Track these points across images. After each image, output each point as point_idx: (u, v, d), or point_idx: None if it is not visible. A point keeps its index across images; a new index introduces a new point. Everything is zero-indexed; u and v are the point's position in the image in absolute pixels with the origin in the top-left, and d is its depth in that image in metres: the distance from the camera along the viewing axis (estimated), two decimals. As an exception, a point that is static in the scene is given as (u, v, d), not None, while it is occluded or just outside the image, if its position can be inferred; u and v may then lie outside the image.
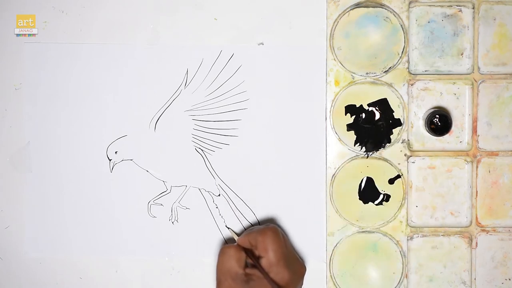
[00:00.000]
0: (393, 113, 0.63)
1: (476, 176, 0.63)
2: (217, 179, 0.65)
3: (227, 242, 0.64)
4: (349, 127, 0.64)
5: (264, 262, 0.57)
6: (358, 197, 0.64)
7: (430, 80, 0.63)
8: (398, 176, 0.63)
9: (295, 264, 0.59)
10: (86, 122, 0.65)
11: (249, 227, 0.64)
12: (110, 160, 0.65)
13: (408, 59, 0.63)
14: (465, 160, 0.63)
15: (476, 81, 0.63)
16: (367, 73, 0.63)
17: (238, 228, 0.65)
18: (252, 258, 0.58)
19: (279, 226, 0.64)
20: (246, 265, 0.58)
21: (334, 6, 0.63)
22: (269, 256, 0.57)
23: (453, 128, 0.63)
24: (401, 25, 0.63)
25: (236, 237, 0.62)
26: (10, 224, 0.65)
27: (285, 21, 0.64)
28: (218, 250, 0.64)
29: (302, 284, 0.61)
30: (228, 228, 0.64)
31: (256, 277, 0.57)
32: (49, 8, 0.64)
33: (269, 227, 0.59)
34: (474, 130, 0.63)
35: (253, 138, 0.64)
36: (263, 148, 0.64)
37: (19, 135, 0.65)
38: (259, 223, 0.65)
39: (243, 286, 0.56)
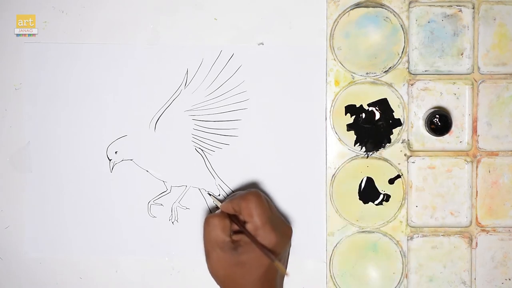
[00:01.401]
0: (393, 113, 0.63)
1: (476, 176, 0.63)
2: (217, 179, 0.65)
3: (211, 211, 0.64)
4: (349, 127, 0.64)
5: (249, 227, 0.57)
6: (358, 197, 0.64)
7: (430, 80, 0.63)
8: (398, 176, 0.63)
9: (281, 226, 0.59)
10: (86, 122, 0.65)
11: (230, 194, 0.64)
12: (110, 160, 0.65)
13: (408, 59, 0.63)
14: (465, 160, 0.63)
15: (476, 81, 0.63)
16: (367, 73, 0.63)
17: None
18: (237, 223, 0.58)
19: (261, 189, 0.64)
20: (231, 233, 0.58)
21: (334, 6, 0.63)
22: (254, 221, 0.57)
23: (453, 128, 0.63)
24: (401, 25, 0.63)
25: (219, 204, 0.61)
26: (10, 224, 0.65)
27: (285, 21, 0.64)
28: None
29: (290, 246, 0.61)
30: (210, 195, 0.64)
31: (244, 243, 0.57)
32: (49, 8, 0.64)
33: (251, 191, 0.59)
34: (474, 130, 0.63)
35: (253, 138, 0.64)
36: (263, 148, 0.64)
37: (19, 135, 0.65)
38: (238, 189, 0.64)
39: (232, 253, 0.57)
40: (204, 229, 0.58)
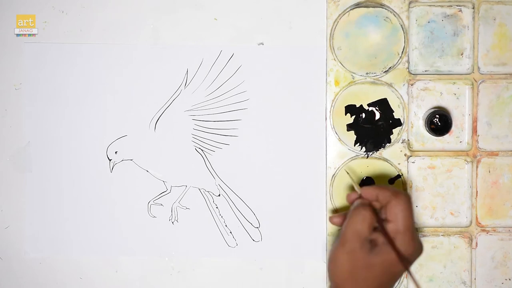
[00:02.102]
0: (393, 113, 0.63)
1: (476, 176, 0.63)
2: (217, 179, 0.65)
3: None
4: (349, 127, 0.64)
5: (390, 228, 0.52)
6: (358, 197, 0.64)
7: (430, 80, 0.63)
8: (398, 176, 0.63)
9: (418, 241, 0.54)
10: (86, 122, 0.65)
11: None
12: (110, 160, 0.65)
13: (408, 59, 0.63)
14: (465, 160, 0.63)
15: (476, 81, 0.63)
16: (367, 73, 0.63)
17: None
18: (380, 222, 0.53)
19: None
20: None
21: (334, 6, 0.63)
22: (398, 223, 0.52)
23: (453, 128, 0.63)
24: (401, 25, 0.63)
25: (358, 188, 0.56)
26: (10, 224, 0.65)
27: (285, 21, 0.64)
28: (218, 250, 0.64)
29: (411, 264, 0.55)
30: (348, 172, 0.61)
31: (380, 243, 0.52)
32: (49, 8, 0.64)
33: (404, 192, 0.55)
34: (474, 130, 0.63)
35: (253, 138, 0.64)
36: (263, 148, 0.64)
37: (19, 135, 0.65)
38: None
39: (367, 253, 0.52)
40: (352, 217, 0.53)
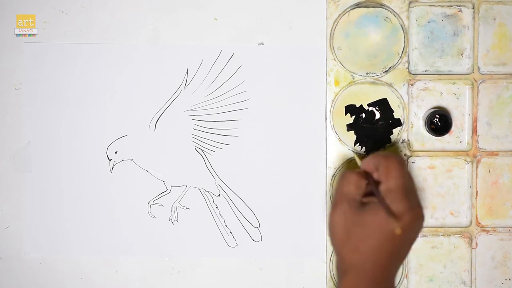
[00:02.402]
0: (393, 113, 0.63)
1: (476, 176, 0.63)
2: (217, 179, 0.65)
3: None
4: (349, 127, 0.64)
5: (382, 187, 0.53)
6: (358, 197, 0.64)
7: (430, 80, 0.63)
8: (398, 176, 0.63)
9: (415, 202, 0.54)
10: (86, 122, 0.65)
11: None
12: (110, 160, 0.65)
13: (408, 59, 0.63)
14: (465, 160, 0.63)
15: (476, 81, 0.63)
16: (367, 73, 0.63)
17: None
18: (372, 183, 0.54)
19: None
20: (364, 195, 0.55)
21: (334, 6, 0.63)
22: (389, 182, 0.53)
23: (453, 128, 0.63)
24: (401, 25, 0.63)
25: (359, 161, 0.59)
26: (10, 224, 0.65)
27: (285, 21, 0.64)
28: (218, 250, 0.64)
29: (418, 232, 0.54)
30: (353, 151, 0.62)
31: (372, 204, 0.53)
32: (49, 8, 0.64)
33: (396, 155, 0.56)
34: (474, 130, 0.63)
35: (253, 138, 0.64)
36: (263, 148, 0.64)
37: (19, 135, 0.65)
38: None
39: (357, 211, 0.53)
40: (340, 181, 0.55)
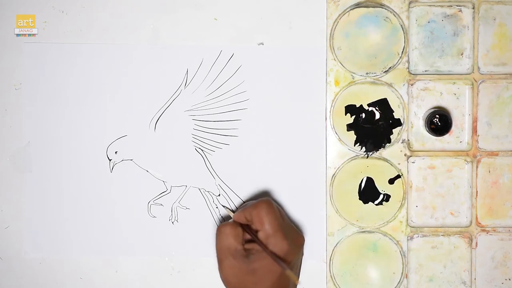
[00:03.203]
0: (393, 113, 0.63)
1: (476, 176, 0.63)
2: (217, 179, 0.65)
3: (224, 220, 0.64)
4: (349, 127, 0.64)
5: (261, 235, 0.57)
6: (358, 197, 0.64)
7: (430, 80, 0.63)
8: (398, 176, 0.63)
9: (293, 235, 0.59)
10: (86, 122, 0.65)
11: (242, 204, 0.64)
12: (110, 160, 0.65)
13: (408, 59, 0.63)
14: (465, 160, 0.63)
15: (476, 81, 0.63)
16: (367, 73, 0.63)
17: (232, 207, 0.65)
18: (249, 232, 0.58)
19: (273, 199, 0.64)
20: (244, 242, 0.58)
21: (334, 6, 0.63)
22: (265, 228, 0.57)
23: (453, 128, 0.63)
24: (401, 25, 0.63)
25: (231, 214, 0.62)
26: (10, 224, 0.65)
27: (285, 21, 0.64)
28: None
29: (302, 254, 0.61)
30: (224, 206, 0.64)
31: (256, 251, 0.57)
32: (49, 8, 0.64)
33: (262, 200, 0.59)
34: (474, 130, 0.63)
35: (253, 138, 0.64)
36: (263, 148, 0.64)
37: (19, 135, 0.65)
38: (251, 199, 0.64)
39: (244, 261, 0.57)
40: (216, 237, 0.58)
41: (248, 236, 0.58)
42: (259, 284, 0.56)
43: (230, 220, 0.61)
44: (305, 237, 0.64)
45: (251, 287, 0.57)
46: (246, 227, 0.59)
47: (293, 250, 0.58)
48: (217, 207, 0.65)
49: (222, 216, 0.65)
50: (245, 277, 0.57)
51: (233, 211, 0.63)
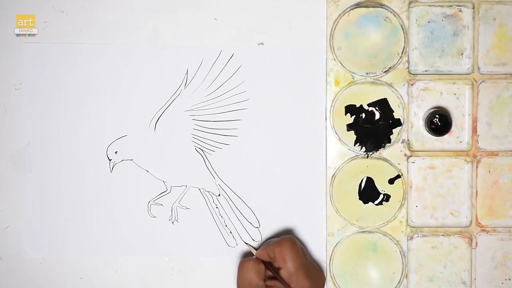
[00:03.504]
0: (393, 113, 0.63)
1: (476, 176, 0.63)
2: (217, 179, 0.65)
3: (246, 256, 0.64)
4: (349, 127, 0.64)
5: (283, 273, 0.58)
6: (358, 197, 0.64)
7: (430, 80, 0.63)
8: (398, 176, 0.63)
9: (314, 273, 0.60)
10: (86, 122, 0.65)
11: (266, 240, 0.64)
12: (110, 160, 0.65)
13: (408, 59, 0.63)
14: (465, 160, 0.63)
15: (476, 81, 0.63)
16: (367, 73, 0.63)
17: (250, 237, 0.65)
18: (271, 269, 0.58)
19: (295, 236, 0.64)
20: (266, 278, 0.58)
21: (334, 6, 0.63)
22: (288, 267, 0.57)
23: (453, 128, 0.63)
24: (401, 25, 0.63)
25: (254, 252, 0.62)
26: (10, 224, 0.65)
27: (285, 21, 0.64)
28: (218, 250, 0.64)
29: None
30: (246, 243, 0.64)
31: (277, 287, 0.58)
32: (49, 8, 0.64)
33: (286, 237, 0.59)
34: (474, 130, 0.63)
35: (253, 138, 0.64)
36: (263, 148, 0.64)
37: (19, 135, 0.65)
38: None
39: None
40: (238, 272, 0.59)
41: (270, 273, 0.59)
42: None
43: (252, 257, 0.61)
44: (305, 237, 0.64)
45: None
46: (268, 264, 0.59)
47: None
48: (217, 207, 0.65)
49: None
50: None
51: (255, 249, 0.63)
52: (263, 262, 0.59)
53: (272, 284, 0.58)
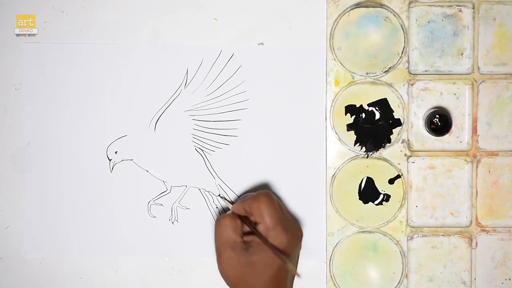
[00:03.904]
0: (393, 113, 0.63)
1: (476, 176, 0.63)
2: (217, 179, 0.65)
3: (220, 212, 0.64)
4: (349, 127, 0.64)
5: (261, 228, 0.57)
6: (358, 197, 0.64)
7: (430, 80, 0.63)
8: (398, 176, 0.63)
9: (292, 227, 0.59)
10: (86, 122, 0.65)
11: (242, 194, 0.64)
12: (110, 160, 0.65)
13: (408, 59, 0.63)
14: (465, 160, 0.63)
15: (476, 81, 0.63)
16: (367, 73, 0.63)
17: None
18: (248, 224, 0.58)
19: (272, 191, 0.64)
20: (243, 234, 0.58)
21: (334, 6, 0.63)
22: (265, 221, 0.57)
23: (453, 128, 0.63)
24: (401, 25, 0.63)
25: (230, 206, 0.61)
26: (10, 224, 0.65)
27: (285, 21, 0.64)
28: (218, 250, 0.65)
29: (300, 247, 0.61)
30: (222, 197, 0.64)
31: (255, 243, 0.57)
32: (49, 8, 0.64)
33: (262, 192, 0.59)
34: (474, 130, 0.63)
35: (253, 138, 0.64)
36: (263, 148, 0.64)
37: (19, 135, 0.65)
38: (249, 191, 0.64)
39: (243, 253, 0.56)
40: (215, 229, 0.58)
41: (247, 228, 0.58)
42: (258, 277, 0.56)
43: (228, 212, 0.61)
44: (305, 237, 0.64)
45: (249, 280, 0.56)
46: (245, 219, 0.59)
47: (292, 243, 0.58)
48: (217, 207, 0.65)
49: (221, 208, 0.65)
50: (244, 269, 0.56)
51: (231, 203, 0.63)
52: (240, 217, 0.58)
53: (249, 239, 0.58)
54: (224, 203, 0.64)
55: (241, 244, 0.57)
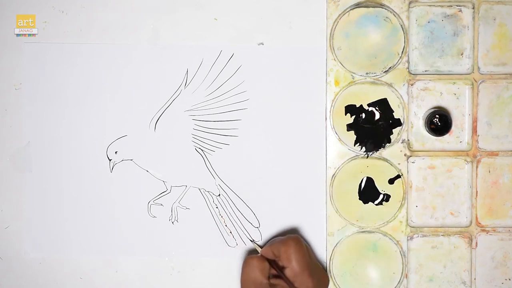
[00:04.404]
0: (393, 113, 0.63)
1: (476, 176, 0.63)
2: (217, 179, 0.65)
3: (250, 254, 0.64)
4: (349, 127, 0.64)
5: (288, 272, 0.58)
6: (358, 197, 0.64)
7: (430, 80, 0.63)
8: (398, 176, 0.63)
9: (319, 274, 0.60)
10: (86, 122, 0.65)
11: (271, 238, 0.64)
12: (110, 160, 0.65)
13: (408, 59, 0.63)
14: (465, 160, 0.63)
15: (476, 81, 0.63)
16: (367, 73, 0.63)
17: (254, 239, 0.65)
18: (276, 268, 0.58)
19: (300, 235, 0.64)
20: (270, 276, 0.58)
21: (334, 6, 0.63)
22: (292, 266, 0.57)
23: (453, 128, 0.63)
24: (401, 25, 0.63)
25: (259, 249, 0.62)
26: (10, 224, 0.65)
27: (285, 21, 0.64)
28: (218, 250, 0.64)
29: None
30: (252, 241, 0.64)
31: (281, 286, 0.58)
32: (49, 8, 0.64)
33: (291, 237, 0.59)
34: (474, 130, 0.63)
35: (253, 138, 0.64)
36: (263, 148, 0.64)
37: (19, 135, 0.65)
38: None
39: None
40: (243, 269, 0.59)
41: (274, 272, 0.59)
42: None
43: (257, 254, 0.61)
44: (305, 237, 0.64)
45: None
46: (273, 263, 0.59)
47: None
48: (217, 207, 0.65)
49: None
50: None
51: (260, 247, 0.63)
52: (268, 260, 0.59)
53: (276, 282, 0.58)
54: (252, 245, 0.64)
55: (267, 286, 0.57)
